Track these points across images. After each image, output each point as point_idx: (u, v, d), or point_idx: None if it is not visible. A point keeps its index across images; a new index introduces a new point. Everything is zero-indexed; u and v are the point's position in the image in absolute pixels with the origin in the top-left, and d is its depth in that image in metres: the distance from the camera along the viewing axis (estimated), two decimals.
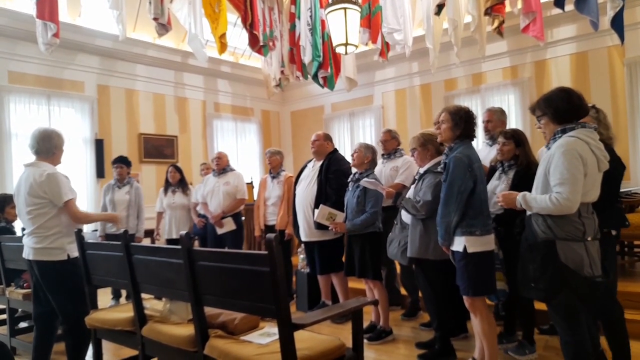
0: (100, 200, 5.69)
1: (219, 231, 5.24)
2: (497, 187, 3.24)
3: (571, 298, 2.24)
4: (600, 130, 2.75)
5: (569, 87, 2.43)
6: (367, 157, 3.91)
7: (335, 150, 4.49)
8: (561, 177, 2.19)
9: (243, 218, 6.24)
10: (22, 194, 3.05)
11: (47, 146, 3.10)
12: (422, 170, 3.40)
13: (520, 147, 3.25)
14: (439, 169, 3.16)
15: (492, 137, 3.94)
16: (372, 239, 3.79)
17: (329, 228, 4.00)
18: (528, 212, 2.41)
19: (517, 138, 3.27)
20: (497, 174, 3.35)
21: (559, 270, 2.22)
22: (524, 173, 3.17)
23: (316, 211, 4.03)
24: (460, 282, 2.88)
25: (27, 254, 3.09)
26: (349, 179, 4.02)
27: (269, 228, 5.12)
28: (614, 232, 2.79)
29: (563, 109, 2.32)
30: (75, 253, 3.05)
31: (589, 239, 2.25)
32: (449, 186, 2.82)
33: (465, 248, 2.79)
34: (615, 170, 2.63)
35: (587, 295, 2.27)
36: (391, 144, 4.42)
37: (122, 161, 5.52)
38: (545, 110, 2.38)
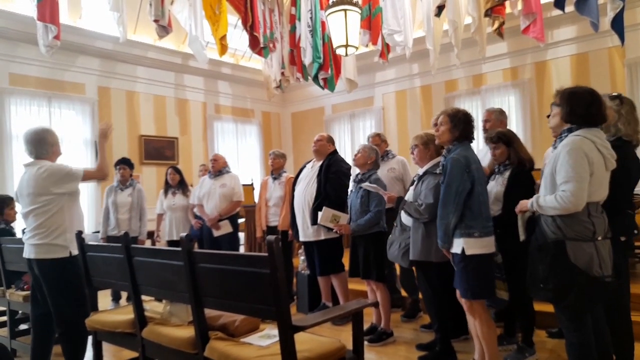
0: (102, 202, 5.69)
1: (215, 233, 5.22)
2: (493, 188, 3.24)
3: (579, 298, 2.24)
4: (619, 125, 2.65)
5: (598, 93, 2.34)
6: (371, 157, 3.92)
7: (336, 152, 4.50)
8: (566, 176, 2.19)
9: (243, 220, 6.24)
10: (25, 194, 3.05)
11: (45, 148, 3.10)
12: (420, 172, 3.40)
13: (511, 147, 3.24)
14: (437, 171, 3.17)
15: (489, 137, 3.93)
16: (376, 239, 3.78)
17: (334, 230, 4.00)
18: (537, 213, 2.40)
19: (505, 139, 3.26)
20: (493, 175, 3.35)
21: (568, 270, 2.21)
22: (517, 171, 3.17)
23: (319, 213, 4.01)
24: (459, 285, 2.86)
25: (28, 252, 3.07)
26: (352, 180, 4.02)
27: (271, 229, 5.12)
28: (622, 238, 2.63)
29: (577, 112, 2.28)
30: (76, 251, 3.05)
31: (599, 238, 2.24)
32: (446, 187, 2.82)
33: (463, 250, 2.77)
34: (623, 173, 2.49)
35: (596, 295, 2.27)
36: (382, 148, 4.50)
37: (125, 162, 5.52)
38: (563, 103, 2.33)
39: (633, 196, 2.81)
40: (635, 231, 2.76)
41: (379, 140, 4.53)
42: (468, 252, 2.76)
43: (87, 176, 3.11)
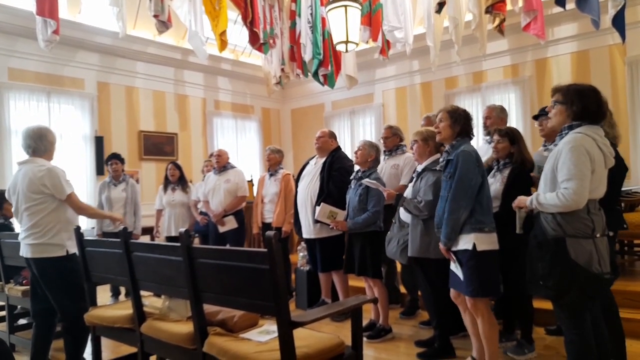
0: (96, 199, 5.67)
1: (221, 229, 5.23)
2: (492, 186, 3.23)
3: (579, 296, 2.24)
4: (605, 128, 2.70)
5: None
6: (371, 155, 3.88)
7: (339, 148, 4.48)
8: (568, 173, 2.18)
9: None
10: (19, 191, 3.04)
11: (45, 144, 3.11)
12: (419, 168, 3.40)
13: (515, 145, 3.25)
14: (437, 168, 3.16)
15: (490, 134, 3.93)
16: (373, 237, 3.78)
17: (330, 227, 3.99)
18: (535, 211, 2.39)
19: (511, 136, 3.27)
20: (492, 172, 3.35)
21: (568, 267, 2.21)
22: (518, 171, 3.18)
23: (317, 209, 4.02)
24: (467, 284, 2.78)
25: (25, 252, 3.07)
26: (352, 177, 4.01)
27: (266, 226, 5.11)
28: (611, 233, 2.68)
29: (591, 110, 2.27)
30: (73, 249, 3.05)
31: (598, 235, 2.24)
32: (459, 181, 2.77)
33: (474, 246, 2.72)
34: (618, 172, 2.57)
35: (595, 292, 2.27)
36: (392, 141, 4.37)
37: (116, 157, 5.51)
38: (572, 101, 2.29)
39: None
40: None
41: (389, 132, 4.37)
42: (480, 248, 2.73)
43: (71, 198, 3.05)
